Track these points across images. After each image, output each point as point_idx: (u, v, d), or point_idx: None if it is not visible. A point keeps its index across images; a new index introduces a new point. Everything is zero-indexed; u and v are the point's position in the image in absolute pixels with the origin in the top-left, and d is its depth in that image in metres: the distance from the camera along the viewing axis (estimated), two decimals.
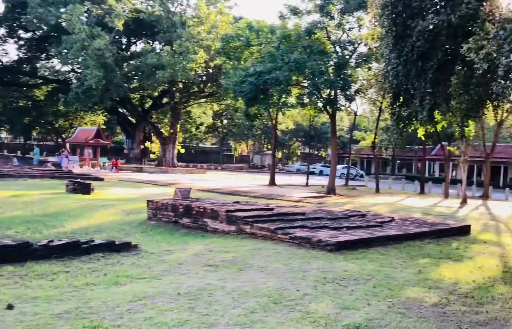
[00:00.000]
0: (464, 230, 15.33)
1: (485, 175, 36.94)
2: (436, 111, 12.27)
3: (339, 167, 66.78)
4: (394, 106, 11.86)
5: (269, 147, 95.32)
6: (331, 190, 29.05)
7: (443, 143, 36.84)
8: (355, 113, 39.46)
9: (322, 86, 26.34)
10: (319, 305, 6.91)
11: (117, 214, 16.28)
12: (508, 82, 9.55)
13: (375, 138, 36.84)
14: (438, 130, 33.99)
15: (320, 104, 29.91)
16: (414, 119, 12.57)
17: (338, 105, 29.76)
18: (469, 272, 9.67)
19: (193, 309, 6.45)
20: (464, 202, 27.06)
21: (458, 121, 14.98)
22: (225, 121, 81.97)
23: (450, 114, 12.27)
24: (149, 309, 6.36)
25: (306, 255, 10.54)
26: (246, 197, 23.30)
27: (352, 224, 14.00)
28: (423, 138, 36.41)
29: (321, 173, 66.28)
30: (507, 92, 10.10)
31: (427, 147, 57.28)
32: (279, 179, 41.33)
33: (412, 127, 15.59)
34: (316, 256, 10.47)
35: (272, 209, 15.00)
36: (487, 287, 8.42)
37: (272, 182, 35.05)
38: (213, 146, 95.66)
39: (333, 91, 28.34)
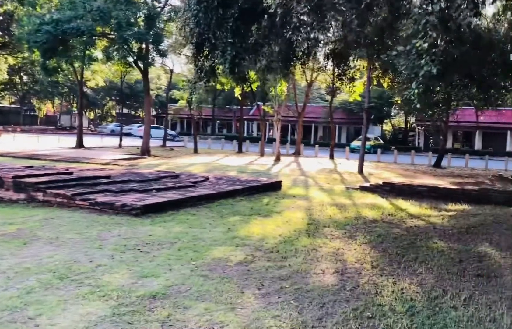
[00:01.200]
0: (275, 186, 16.11)
1: (297, 134, 39.95)
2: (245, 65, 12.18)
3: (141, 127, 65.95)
4: (198, 57, 11.43)
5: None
6: (145, 151, 28.24)
7: (258, 103, 38.61)
8: (171, 71, 38.86)
9: (131, 39, 24.96)
10: (113, 276, 6.30)
11: None
12: (300, 34, 9.62)
13: (191, 99, 36.81)
14: (253, 90, 35.58)
15: (130, 59, 28.41)
16: (218, 72, 12.32)
17: (150, 61, 28.66)
18: (276, 226, 10.02)
19: None
20: (277, 159, 28.82)
21: (265, 76, 15.30)
22: (25, 78, 74.03)
23: (256, 68, 12.20)
24: None
25: (108, 221, 9.77)
26: (45, 161, 21.17)
27: (163, 185, 13.56)
28: (240, 97, 37.75)
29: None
30: (304, 45, 10.36)
31: (246, 107, 60.07)
32: (90, 141, 38.94)
33: (217, 82, 15.15)
34: (119, 222, 9.77)
35: (71, 173, 13.69)
36: (292, 241, 8.77)
37: (80, 145, 32.81)
38: (13, 105, 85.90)
39: (144, 45, 27.16)
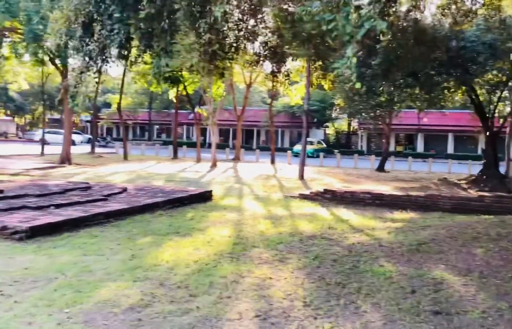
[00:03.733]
0: (204, 197, 14.45)
1: (237, 138, 38.42)
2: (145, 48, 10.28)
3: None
4: (84, 40, 9.43)
5: (8, 112, 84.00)
6: (65, 159, 25.77)
7: (195, 106, 36.76)
8: (99, 71, 36.27)
9: (43, 33, 22.39)
10: None
11: None
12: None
13: (120, 100, 34.45)
14: (188, 92, 33.71)
15: (43, 56, 25.40)
16: (105, 56, 10.40)
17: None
18: (194, 249, 8.36)
19: None
20: (214, 165, 27.16)
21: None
22: None
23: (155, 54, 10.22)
24: None
25: None
26: None
27: (66, 200, 11.57)
28: (174, 100, 35.84)
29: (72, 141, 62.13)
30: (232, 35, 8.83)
31: (186, 111, 57.87)
32: (11, 148, 35.83)
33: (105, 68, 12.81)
34: None
35: None
36: (209, 269, 7.14)
37: None
38: None
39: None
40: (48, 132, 65.49)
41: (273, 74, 18.74)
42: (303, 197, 15.93)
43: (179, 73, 26.75)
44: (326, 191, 15.97)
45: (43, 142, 33.31)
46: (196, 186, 17.15)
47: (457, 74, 18.06)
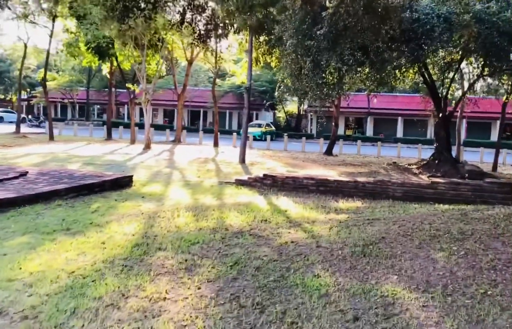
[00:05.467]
0: (122, 183, 12.43)
1: (178, 118, 36.19)
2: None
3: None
4: None
5: None
6: None
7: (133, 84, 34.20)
8: (25, 44, 33.19)
9: None
10: None
11: None
12: None
13: (45, 75, 31.47)
14: (123, 68, 31.20)
15: None
16: None
17: None
18: (79, 254, 6.45)
19: None
20: (147, 147, 24.98)
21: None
22: None
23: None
24: None
25: None
26: None
27: None
28: (108, 76, 33.22)
29: (1, 119, 58.51)
30: None
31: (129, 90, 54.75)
32: None
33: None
34: None
35: None
36: (84, 285, 5.26)
37: None
38: None
39: None
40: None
41: (200, 37, 16.69)
42: (240, 183, 14.20)
43: (108, 44, 24.37)
44: (266, 176, 14.28)
45: None
46: (117, 171, 15.08)
47: (410, 50, 16.68)
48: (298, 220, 9.19)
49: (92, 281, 5.40)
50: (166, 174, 15.70)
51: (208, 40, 25.42)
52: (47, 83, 57.11)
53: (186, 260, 6.33)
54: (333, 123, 31.28)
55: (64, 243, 6.92)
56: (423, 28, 16.10)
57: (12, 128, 36.50)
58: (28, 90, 66.50)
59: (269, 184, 13.86)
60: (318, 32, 13.82)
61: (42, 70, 60.79)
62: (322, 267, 6.02)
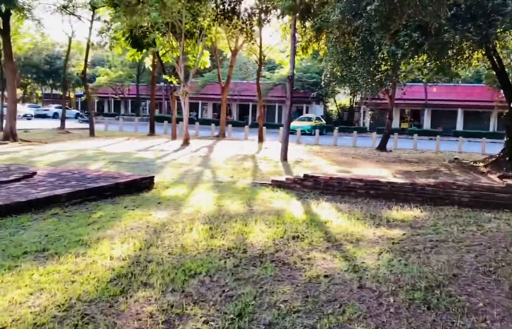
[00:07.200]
0: (140, 185, 10.79)
1: (221, 113, 34.55)
2: None
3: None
4: None
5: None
6: (9, 135, 22.13)
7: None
8: (70, 38, 32.50)
9: None
10: None
11: None
12: None
13: (85, 68, 30.54)
14: (161, 60, 29.77)
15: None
16: None
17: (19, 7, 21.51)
18: (34, 291, 4.74)
19: None
20: (185, 143, 23.46)
21: None
22: None
23: None
24: None
25: None
26: None
27: None
28: (151, 69, 32.04)
29: (56, 115, 59.20)
30: None
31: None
32: None
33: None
34: None
35: None
36: None
37: None
38: None
39: None
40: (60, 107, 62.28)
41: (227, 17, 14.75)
42: (277, 185, 12.27)
43: (143, 34, 22.91)
44: (306, 177, 12.26)
45: (1, 116, 29.55)
46: (142, 170, 13.53)
47: (476, 30, 14.13)
48: (339, 238, 7.17)
49: None
50: (195, 174, 13.97)
51: (250, 27, 23.48)
52: (98, 78, 57.11)
53: (172, 306, 4.49)
54: (387, 116, 28.72)
55: (24, 274, 5.23)
56: (492, 2, 13.59)
57: (68, 124, 36.25)
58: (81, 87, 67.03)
59: (310, 186, 11.85)
60: (368, 8, 11.60)
61: (98, 67, 60.97)
62: (364, 326, 4.01)
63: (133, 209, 8.88)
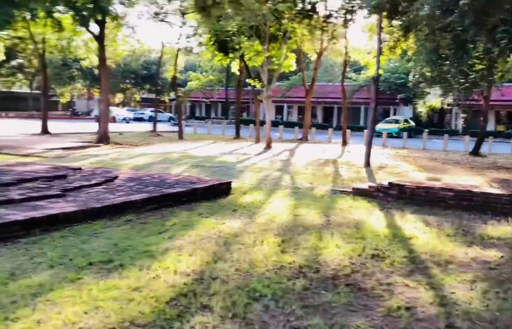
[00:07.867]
0: (217, 191, 10.46)
1: (305, 116, 33.86)
2: None
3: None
4: None
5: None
6: (103, 138, 22.99)
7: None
8: (163, 44, 33.45)
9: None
10: None
11: None
12: None
13: (175, 73, 31.17)
14: (247, 64, 29.61)
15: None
16: None
17: (110, 13, 21.73)
18: (89, 309, 4.45)
19: None
20: (268, 147, 23.08)
21: None
22: (35, 60, 70.05)
23: None
24: None
25: None
26: None
27: (19, 195, 8.18)
28: (237, 73, 32.08)
29: (151, 119, 61.52)
30: None
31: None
32: (91, 127, 33.89)
33: None
34: None
35: None
36: None
37: (45, 130, 28.01)
38: (35, 91, 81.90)
39: None
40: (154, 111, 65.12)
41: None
42: (358, 192, 11.44)
43: (229, 38, 22.85)
44: (391, 185, 11.31)
45: (98, 120, 31.01)
46: (223, 175, 13.28)
47: None
48: (425, 258, 6.32)
49: None
50: (274, 179, 13.47)
51: (333, 26, 22.63)
52: (190, 83, 58.55)
53: None
54: (482, 118, 26.52)
55: (83, 289, 4.98)
56: None
57: (161, 127, 37.50)
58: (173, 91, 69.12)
59: (395, 195, 10.91)
60: (461, 2, 10.44)
61: (190, 72, 62.68)
62: None
63: (207, 217, 8.53)
